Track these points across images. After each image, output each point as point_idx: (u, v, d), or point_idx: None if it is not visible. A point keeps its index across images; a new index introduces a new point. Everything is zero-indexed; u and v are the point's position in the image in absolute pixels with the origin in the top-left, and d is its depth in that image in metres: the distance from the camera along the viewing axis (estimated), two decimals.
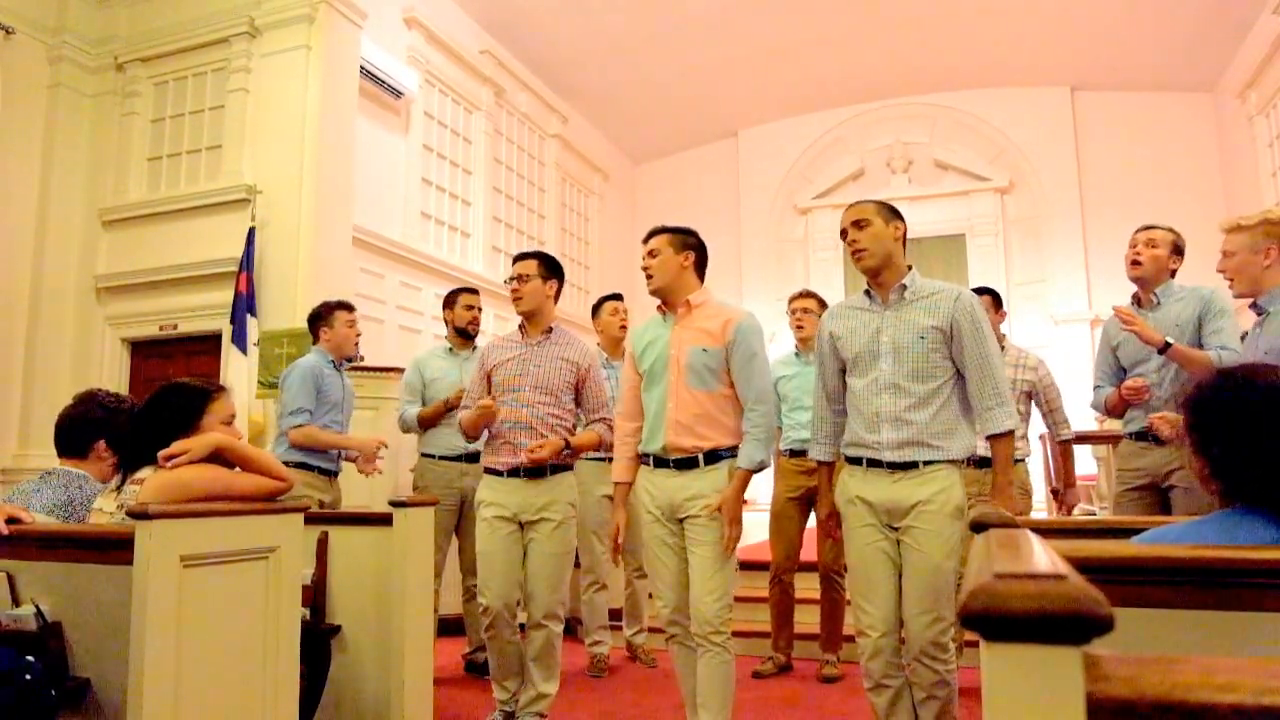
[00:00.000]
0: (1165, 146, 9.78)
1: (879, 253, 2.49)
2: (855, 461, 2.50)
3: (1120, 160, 9.96)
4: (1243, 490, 1.30)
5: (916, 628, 2.36)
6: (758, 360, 2.65)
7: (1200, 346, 2.85)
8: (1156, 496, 2.93)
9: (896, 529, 2.41)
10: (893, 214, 2.54)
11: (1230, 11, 8.18)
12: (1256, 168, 8.40)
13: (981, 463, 3.44)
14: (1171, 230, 3.09)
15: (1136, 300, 3.08)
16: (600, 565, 4.14)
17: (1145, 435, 2.95)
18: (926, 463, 2.38)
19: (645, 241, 2.77)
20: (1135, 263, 3.05)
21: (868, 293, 2.57)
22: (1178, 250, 3.06)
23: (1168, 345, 2.81)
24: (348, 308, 3.97)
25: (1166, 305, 2.99)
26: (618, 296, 4.41)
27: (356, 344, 4.02)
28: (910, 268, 2.54)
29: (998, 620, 0.57)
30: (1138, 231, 3.12)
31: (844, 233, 2.56)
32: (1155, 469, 2.93)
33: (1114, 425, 4.35)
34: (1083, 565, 0.76)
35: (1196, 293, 2.95)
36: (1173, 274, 3.06)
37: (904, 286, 2.50)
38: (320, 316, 3.93)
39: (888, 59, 9.86)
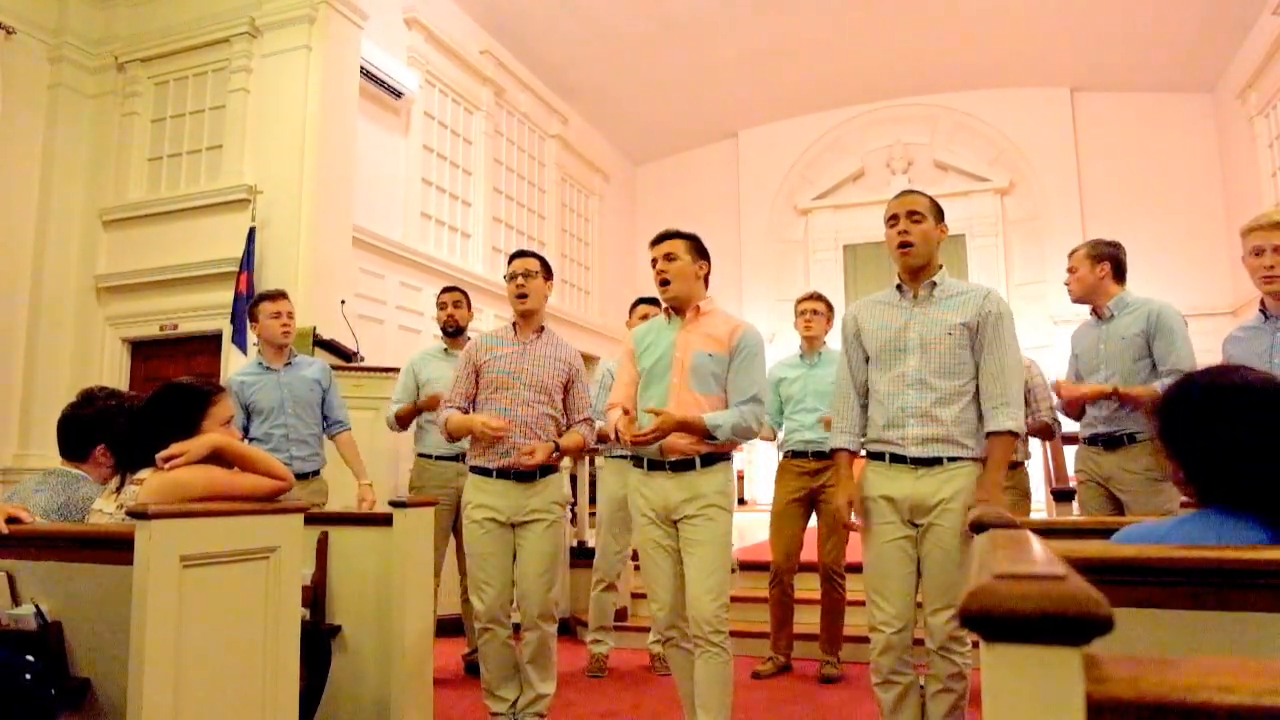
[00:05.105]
0: (1165, 147, 9.78)
1: (924, 252, 2.48)
2: (877, 457, 2.50)
3: (1120, 160, 9.96)
4: (1218, 492, 1.31)
5: (938, 622, 2.38)
6: (757, 367, 2.67)
7: (1151, 359, 2.98)
8: (1107, 490, 3.10)
9: (918, 525, 2.42)
10: (941, 215, 2.54)
11: (1230, 12, 8.18)
12: (1256, 168, 8.40)
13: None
14: (1088, 244, 3.21)
15: (1095, 313, 3.19)
16: (610, 565, 4.13)
17: (1095, 440, 3.11)
18: (951, 459, 2.39)
19: (659, 242, 2.71)
20: (1068, 292, 3.25)
21: (899, 288, 2.57)
22: (1098, 259, 3.13)
23: (1115, 391, 2.94)
24: (271, 297, 3.66)
25: (1119, 317, 3.09)
26: (654, 301, 4.20)
27: (285, 332, 3.63)
28: (941, 266, 2.55)
29: (998, 621, 0.57)
30: None
31: (894, 219, 2.51)
32: (1100, 472, 3.10)
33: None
34: (1082, 565, 0.76)
35: (1146, 307, 3.03)
36: (1119, 279, 3.13)
37: (934, 284, 2.51)
38: (249, 314, 3.74)
39: (888, 60, 9.86)
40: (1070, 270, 3.20)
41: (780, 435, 3.99)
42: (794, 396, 3.90)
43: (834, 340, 4.05)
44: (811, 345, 3.95)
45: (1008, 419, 2.37)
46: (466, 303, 4.16)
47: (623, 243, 11.66)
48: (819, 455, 3.80)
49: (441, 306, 4.12)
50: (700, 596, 2.53)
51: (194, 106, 6.29)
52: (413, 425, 4.08)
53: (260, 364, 3.65)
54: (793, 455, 3.90)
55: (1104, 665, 0.58)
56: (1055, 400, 3.42)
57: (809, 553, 3.95)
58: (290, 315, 3.67)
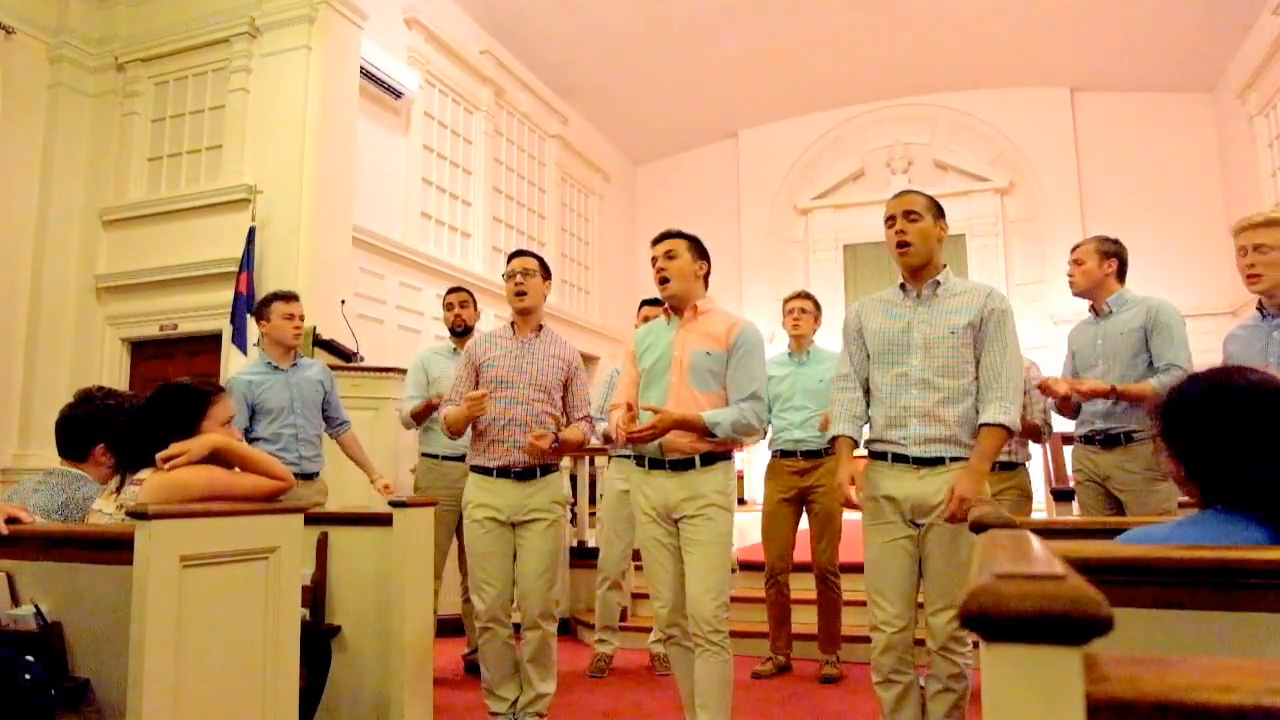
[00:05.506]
0: (1165, 146, 9.78)
1: (923, 250, 2.47)
2: (879, 456, 2.50)
3: (1120, 160, 9.96)
4: (1221, 493, 1.31)
5: (939, 622, 2.38)
6: (755, 363, 2.66)
7: (1148, 355, 2.99)
8: (1105, 490, 3.10)
9: (919, 525, 2.42)
10: (941, 213, 2.53)
11: (1230, 12, 8.18)
12: (1256, 168, 8.40)
13: (1005, 465, 3.53)
14: (1096, 239, 3.22)
15: (1094, 310, 3.20)
16: (615, 564, 4.13)
17: (1092, 439, 3.12)
18: (953, 459, 2.39)
19: (660, 241, 2.73)
20: (1071, 284, 3.24)
21: (903, 286, 2.56)
22: (1106, 255, 3.14)
23: (1113, 389, 2.93)
24: (284, 297, 3.68)
25: (1118, 313, 3.11)
26: (659, 302, 4.19)
27: (296, 334, 3.64)
28: (945, 265, 2.54)
29: (998, 621, 0.57)
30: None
31: (891, 219, 2.51)
32: (1098, 471, 3.09)
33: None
34: (1082, 565, 0.76)
35: (1145, 304, 3.05)
36: (1120, 277, 3.15)
37: (937, 283, 2.50)
38: (258, 312, 3.74)
39: (888, 59, 9.86)
40: (1076, 262, 3.19)
41: (769, 434, 3.99)
42: (783, 395, 3.91)
43: (822, 339, 4.08)
44: (800, 344, 3.97)
45: (1001, 413, 2.35)
46: (473, 302, 4.18)
47: (623, 243, 11.66)
48: (808, 455, 3.81)
49: (448, 307, 4.13)
50: (700, 596, 2.53)
51: (194, 106, 6.29)
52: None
53: (268, 363, 3.63)
54: (782, 455, 3.91)
55: (1104, 665, 0.58)
56: (1050, 401, 3.40)
57: (803, 553, 3.95)
58: (302, 318, 3.70)
